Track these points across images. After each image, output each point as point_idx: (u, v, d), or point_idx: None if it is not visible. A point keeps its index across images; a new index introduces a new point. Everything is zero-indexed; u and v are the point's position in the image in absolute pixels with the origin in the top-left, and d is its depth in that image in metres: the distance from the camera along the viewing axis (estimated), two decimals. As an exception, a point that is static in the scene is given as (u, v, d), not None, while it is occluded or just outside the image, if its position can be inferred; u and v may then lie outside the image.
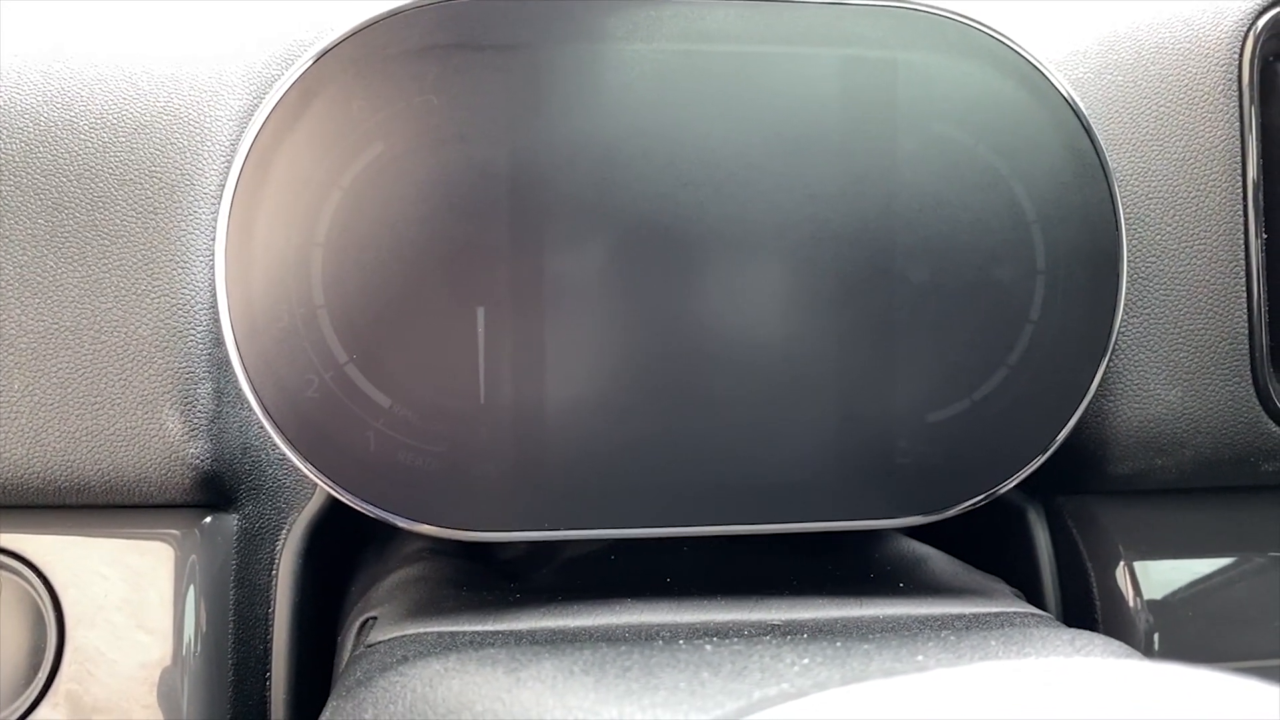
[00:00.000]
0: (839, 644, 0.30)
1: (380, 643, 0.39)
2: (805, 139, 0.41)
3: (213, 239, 0.44)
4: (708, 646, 0.30)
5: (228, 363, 0.44)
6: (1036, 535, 0.52)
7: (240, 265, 0.39)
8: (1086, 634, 0.34)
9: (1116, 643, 0.34)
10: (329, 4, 0.49)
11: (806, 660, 0.27)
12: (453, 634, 0.38)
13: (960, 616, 0.40)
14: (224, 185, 0.44)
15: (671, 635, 0.36)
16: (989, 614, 0.41)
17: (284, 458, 0.47)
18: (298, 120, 0.39)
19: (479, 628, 0.39)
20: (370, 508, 0.40)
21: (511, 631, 0.38)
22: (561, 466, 0.40)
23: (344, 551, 0.53)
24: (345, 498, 0.40)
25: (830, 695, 0.18)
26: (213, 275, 0.44)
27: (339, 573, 0.53)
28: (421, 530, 0.40)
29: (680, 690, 0.25)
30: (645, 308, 0.40)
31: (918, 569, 0.48)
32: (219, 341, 0.44)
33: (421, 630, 0.39)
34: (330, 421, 0.39)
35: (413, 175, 0.39)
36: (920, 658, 0.28)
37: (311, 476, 0.39)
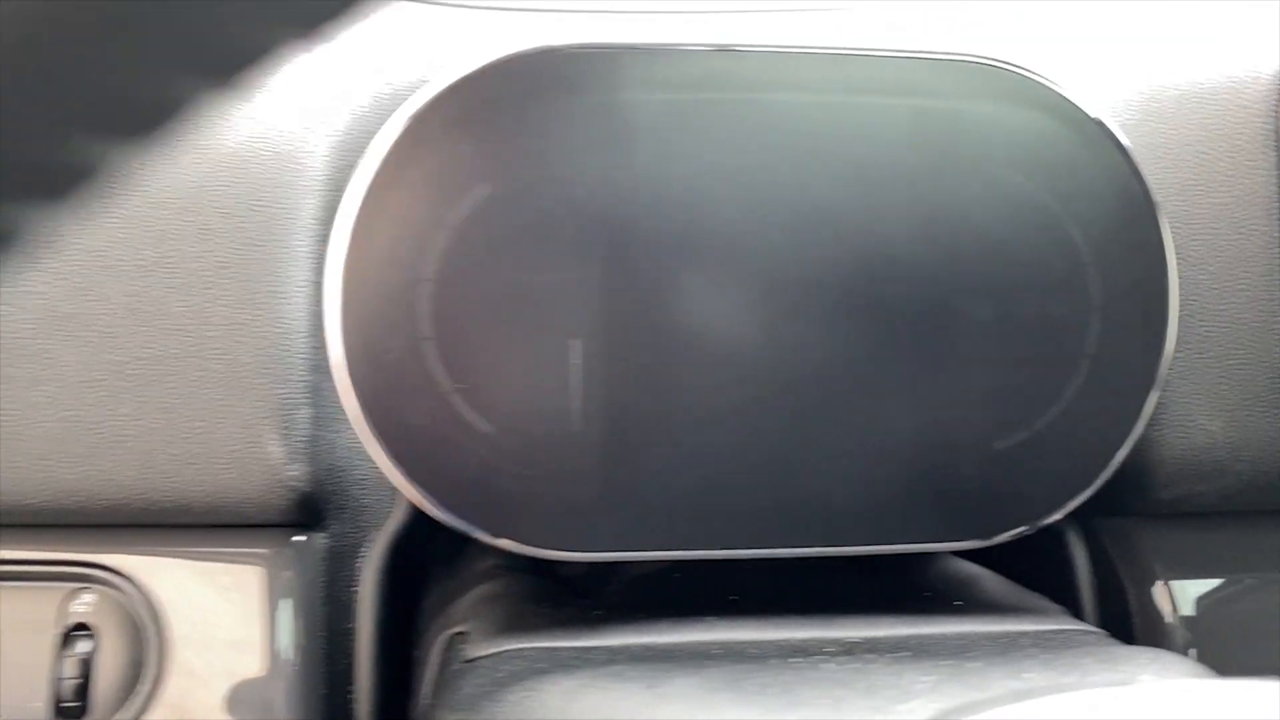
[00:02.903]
0: (947, 662, 0.33)
1: (483, 658, 0.41)
2: (878, 183, 0.43)
3: (310, 270, 0.46)
4: (831, 664, 0.32)
5: (323, 388, 0.46)
6: (1075, 555, 0.55)
7: (352, 299, 0.41)
8: (1165, 653, 0.37)
9: (1187, 659, 0.36)
10: (409, 44, 0.51)
11: (928, 678, 0.29)
12: (552, 649, 0.40)
13: (1024, 634, 0.43)
14: (321, 219, 0.46)
15: (762, 653, 0.39)
16: (1050, 631, 0.44)
17: (366, 479, 0.49)
18: (409, 162, 0.41)
19: (576, 644, 0.41)
20: (471, 529, 0.42)
21: (608, 647, 0.41)
22: (648, 492, 0.43)
23: (414, 568, 0.55)
24: (450, 520, 0.42)
25: (1004, 712, 0.20)
26: (316, 307, 0.46)
27: (410, 588, 0.54)
28: (521, 551, 0.42)
29: (822, 706, 0.28)
30: (730, 343, 0.43)
31: (970, 588, 0.51)
32: (316, 368, 0.46)
33: (521, 646, 0.41)
34: (434, 447, 0.41)
35: (516, 215, 0.41)
36: (1027, 674, 0.31)
37: (418, 501, 0.41)
